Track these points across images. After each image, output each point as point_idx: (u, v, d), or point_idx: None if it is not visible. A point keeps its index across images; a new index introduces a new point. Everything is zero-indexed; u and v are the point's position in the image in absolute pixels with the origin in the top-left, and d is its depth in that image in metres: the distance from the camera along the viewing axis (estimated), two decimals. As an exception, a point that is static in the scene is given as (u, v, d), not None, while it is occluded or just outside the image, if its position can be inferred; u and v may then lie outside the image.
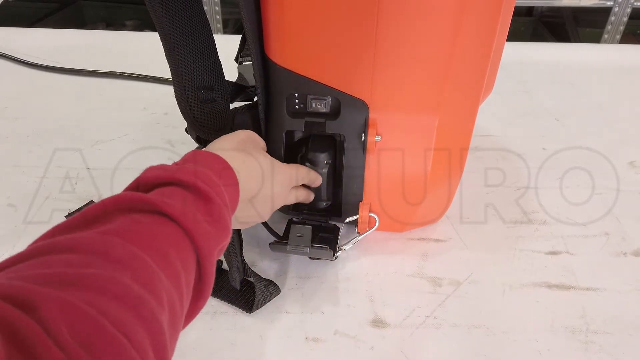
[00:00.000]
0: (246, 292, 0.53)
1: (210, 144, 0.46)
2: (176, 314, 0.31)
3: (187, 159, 0.40)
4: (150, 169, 0.37)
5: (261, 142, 0.50)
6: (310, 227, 0.54)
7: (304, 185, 0.55)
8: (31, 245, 0.29)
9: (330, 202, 0.58)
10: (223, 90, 0.51)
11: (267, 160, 0.47)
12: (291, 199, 0.52)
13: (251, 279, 0.52)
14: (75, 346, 0.23)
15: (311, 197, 0.56)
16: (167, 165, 0.38)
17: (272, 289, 0.53)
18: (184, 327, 0.34)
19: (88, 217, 0.31)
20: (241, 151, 0.45)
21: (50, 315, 0.23)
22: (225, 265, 0.55)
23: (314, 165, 0.54)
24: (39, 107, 0.88)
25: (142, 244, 0.30)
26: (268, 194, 0.47)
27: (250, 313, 0.52)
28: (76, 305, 0.24)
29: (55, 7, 2.13)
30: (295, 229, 0.54)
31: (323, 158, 0.54)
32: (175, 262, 0.31)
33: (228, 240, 0.38)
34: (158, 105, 0.88)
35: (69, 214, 0.63)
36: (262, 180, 0.46)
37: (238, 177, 0.41)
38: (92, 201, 0.65)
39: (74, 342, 0.23)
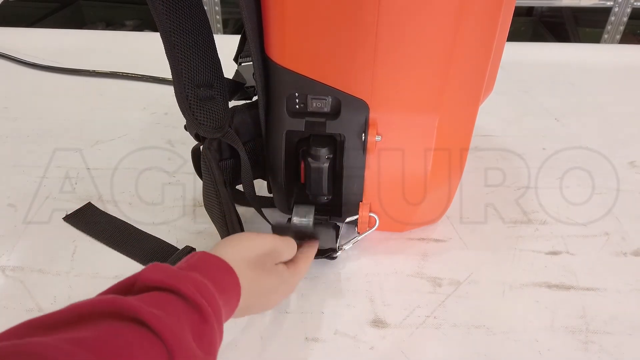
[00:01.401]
0: None
1: (230, 242, 0.43)
2: None
3: (196, 264, 0.38)
4: (153, 269, 0.34)
5: (284, 255, 0.47)
6: (313, 206, 0.55)
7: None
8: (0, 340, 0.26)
9: (330, 197, 0.58)
10: (222, 88, 0.51)
11: (278, 281, 0.45)
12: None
13: None
14: None
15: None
16: (171, 268, 0.36)
17: None
18: None
19: (68, 317, 0.29)
20: (254, 269, 0.42)
21: None
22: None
23: (314, 159, 0.54)
24: (39, 107, 0.88)
25: None
26: (266, 307, 0.47)
27: None
28: None
29: (55, 7, 2.13)
30: (299, 207, 0.55)
31: (324, 153, 0.54)
32: None
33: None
34: (158, 105, 0.88)
35: (67, 216, 0.63)
36: (263, 299, 0.44)
37: (241, 293, 0.39)
38: (89, 203, 0.65)
39: None
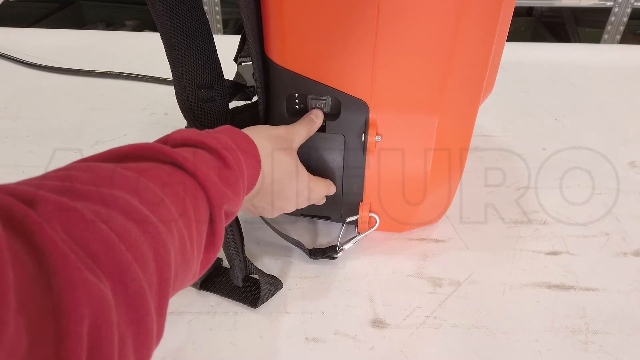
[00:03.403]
0: (249, 288, 0.53)
1: (249, 128, 0.46)
2: (186, 250, 0.31)
3: (220, 130, 0.41)
4: (180, 130, 0.38)
5: (295, 143, 0.50)
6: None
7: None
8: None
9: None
10: (222, 89, 0.51)
11: (294, 165, 0.48)
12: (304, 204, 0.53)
13: (255, 276, 0.53)
14: (69, 241, 0.23)
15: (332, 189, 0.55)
16: (197, 130, 0.39)
17: (275, 283, 0.54)
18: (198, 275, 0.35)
19: (109, 156, 0.33)
20: (273, 144, 0.46)
21: (46, 212, 0.23)
22: (225, 263, 0.55)
23: None
24: (39, 107, 0.88)
25: (158, 182, 0.31)
26: (280, 201, 0.48)
27: (255, 308, 0.52)
28: (74, 208, 0.25)
29: (55, 7, 2.13)
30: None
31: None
32: (188, 206, 0.32)
33: (237, 209, 0.38)
34: (158, 105, 0.88)
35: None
36: (279, 185, 0.46)
37: (261, 167, 0.42)
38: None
39: (68, 238, 0.23)
